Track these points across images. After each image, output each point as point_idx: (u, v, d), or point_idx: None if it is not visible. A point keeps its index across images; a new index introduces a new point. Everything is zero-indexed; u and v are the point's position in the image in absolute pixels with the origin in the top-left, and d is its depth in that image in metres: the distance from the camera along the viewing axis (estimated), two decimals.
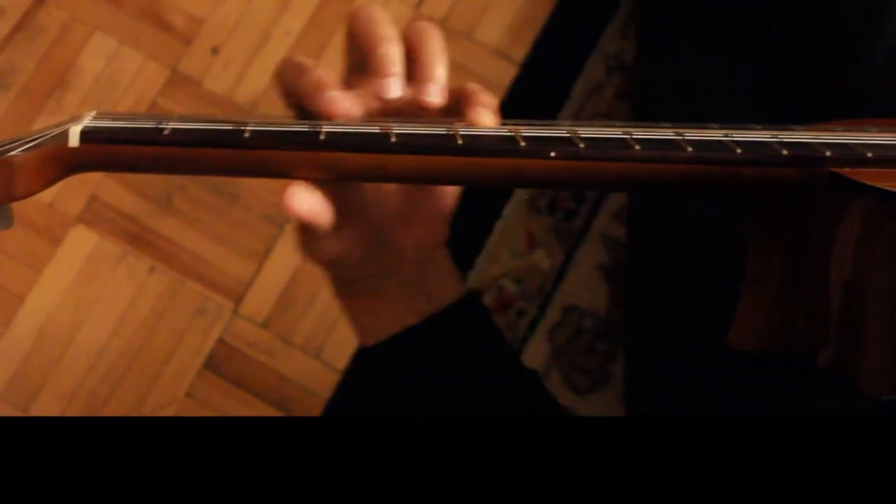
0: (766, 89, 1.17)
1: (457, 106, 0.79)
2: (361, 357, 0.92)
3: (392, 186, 0.83)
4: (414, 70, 0.78)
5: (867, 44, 1.06)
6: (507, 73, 1.70)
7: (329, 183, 0.77)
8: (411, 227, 0.85)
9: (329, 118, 0.75)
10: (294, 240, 0.84)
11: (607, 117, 1.68)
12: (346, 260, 0.83)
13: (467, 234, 1.65)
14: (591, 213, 1.66)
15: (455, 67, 1.63)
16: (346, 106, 0.74)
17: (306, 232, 0.81)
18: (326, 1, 1.73)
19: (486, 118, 0.76)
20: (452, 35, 1.71)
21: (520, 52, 1.71)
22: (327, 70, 0.77)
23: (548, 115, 1.67)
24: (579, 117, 1.68)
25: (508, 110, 1.78)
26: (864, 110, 0.97)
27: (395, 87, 0.77)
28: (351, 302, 0.90)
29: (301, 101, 0.77)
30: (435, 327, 0.89)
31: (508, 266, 1.65)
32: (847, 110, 0.93)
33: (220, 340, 1.65)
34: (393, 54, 0.77)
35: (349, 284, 0.89)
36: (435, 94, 0.78)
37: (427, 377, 0.91)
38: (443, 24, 1.71)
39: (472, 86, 0.80)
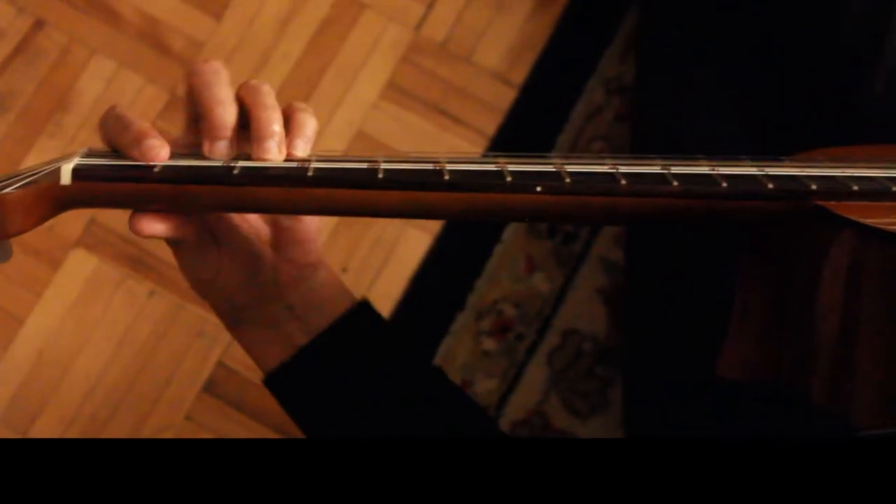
0: (766, 112, 1.17)
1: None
2: (268, 386, 0.94)
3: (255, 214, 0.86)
4: (250, 127, 0.79)
5: (867, 67, 1.07)
6: (506, 97, 1.71)
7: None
8: (283, 249, 0.87)
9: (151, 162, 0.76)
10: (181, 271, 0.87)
11: (607, 140, 1.69)
12: (225, 285, 0.87)
13: (467, 258, 1.66)
14: (591, 236, 1.66)
15: (455, 91, 1.63)
16: (165, 154, 0.76)
17: (179, 255, 0.85)
18: (325, 24, 1.74)
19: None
20: (451, 59, 1.72)
21: (519, 75, 1.72)
22: (145, 122, 0.78)
23: (547, 137, 1.67)
24: (579, 140, 1.68)
25: (508, 133, 1.80)
26: (864, 133, 0.97)
27: (220, 151, 0.78)
28: (241, 333, 0.92)
29: (124, 154, 0.77)
30: (327, 342, 0.91)
31: (508, 290, 1.66)
32: (846, 133, 0.94)
33: (220, 363, 1.66)
34: (224, 119, 0.78)
35: (236, 314, 0.91)
36: (273, 151, 0.78)
37: (338, 391, 0.92)
38: (442, 47, 1.72)
39: (296, 107, 0.82)
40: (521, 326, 1.64)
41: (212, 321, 1.65)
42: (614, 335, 1.64)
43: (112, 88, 1.72)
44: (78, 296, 1.67)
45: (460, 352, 1.62)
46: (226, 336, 1.63)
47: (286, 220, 0.87)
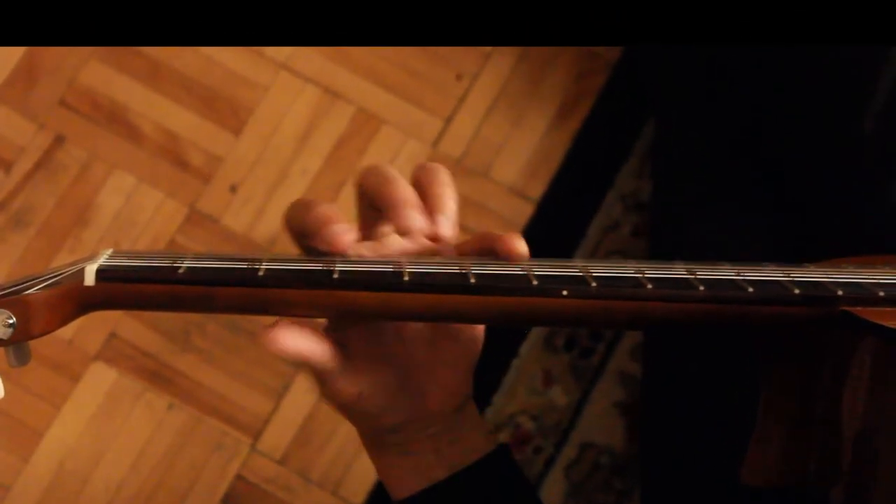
0: (781, 229, 1.19)
1: (488, 249, 0.80)
2: None
3: (414, 332, 0.85)
4: (426, 205, 0.81)
5: (883, 185, 1.08)
6: (523, 212, 1.74)
7: (340, 325, 0.81)
8: (436, 374, 0.87)
9: (336, 251, 0.77)
10: (311, 383, 0.85)
11: (623, 255, 1.71)
12: (370, 408, 0.85)
13: (484, 371, 1.66)
14: (608, 350, 1.68)
15: (472, 206, 1.64)
16: (351, 238, 0.77)
17: (317, 374, 0.81)
18: (344, 139, 1.77)
19: (521, 246, 0.78)
20: (469, 174, 1.74)
21: (536, 190, 1.75)
22: (332, 206, 0.80)
23: (564, 252, 1.69)
24: (595, 255, 1.70)
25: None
26: (880, 250, 0.97)
27: (414, 217, 0.80)
28: (380, 455, 0.91)
29: (308, 239, 0.79)
30: (465, 481, 0.89)
31: (525, 403, 1.68)
32: (863, 248, 0.94)
33: (238, 476, 1.68)
34: (409, 192, 0.81)
35: (378, 436, 0.90)
36: (447, 227, 0.80)
37: None
38: (459, 162, 1.74)
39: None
40: (538, 439, 1.66)
41: (231, 434, 1.68)
42: (631, 448, 1.65)
43: (132, 203, 1.75)
44: (97, 408, 1.70)
45: None
46: (244, 449, 1.67)
47: (445, 344, 0.86)
